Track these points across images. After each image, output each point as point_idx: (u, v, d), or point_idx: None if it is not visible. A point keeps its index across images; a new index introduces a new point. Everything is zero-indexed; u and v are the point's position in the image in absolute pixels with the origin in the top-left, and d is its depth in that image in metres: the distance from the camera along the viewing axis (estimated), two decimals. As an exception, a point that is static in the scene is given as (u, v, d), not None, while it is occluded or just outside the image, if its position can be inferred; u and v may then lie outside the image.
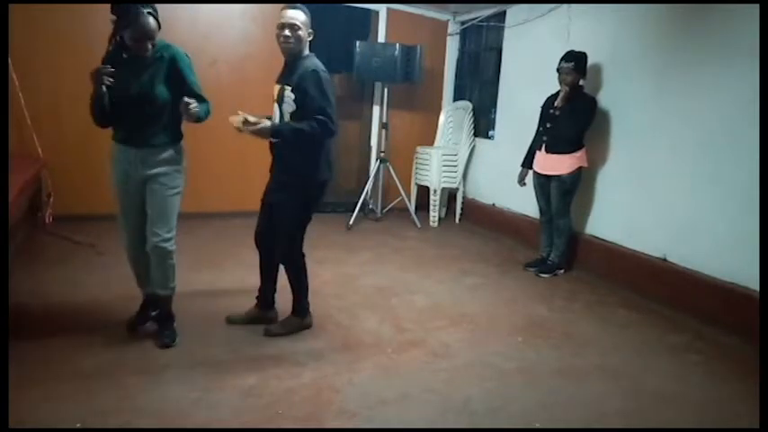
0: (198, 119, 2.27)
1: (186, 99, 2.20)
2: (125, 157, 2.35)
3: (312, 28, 2.52)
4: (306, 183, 2.54)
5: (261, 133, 2.38)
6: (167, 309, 2.56)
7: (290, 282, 2.71)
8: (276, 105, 2.53)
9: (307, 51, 2.53)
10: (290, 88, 2.45)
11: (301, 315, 2.76)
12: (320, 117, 2.37)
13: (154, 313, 2.62)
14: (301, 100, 2.42)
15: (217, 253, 3.89)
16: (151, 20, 2.17)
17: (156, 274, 2.46)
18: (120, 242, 2.53)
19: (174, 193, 2.40)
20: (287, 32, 2.42)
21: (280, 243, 2.65)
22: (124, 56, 2.23)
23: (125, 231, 2.48)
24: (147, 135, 2.33)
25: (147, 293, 2.61)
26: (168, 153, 2.38)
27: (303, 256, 2.70)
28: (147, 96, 2.27)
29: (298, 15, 2.43)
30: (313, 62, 2.47)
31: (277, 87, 2.54)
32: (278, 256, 2.69)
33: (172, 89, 2.31)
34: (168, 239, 2.40)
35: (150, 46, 2.22)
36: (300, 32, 2.44)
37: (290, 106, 2.46)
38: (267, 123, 2.38)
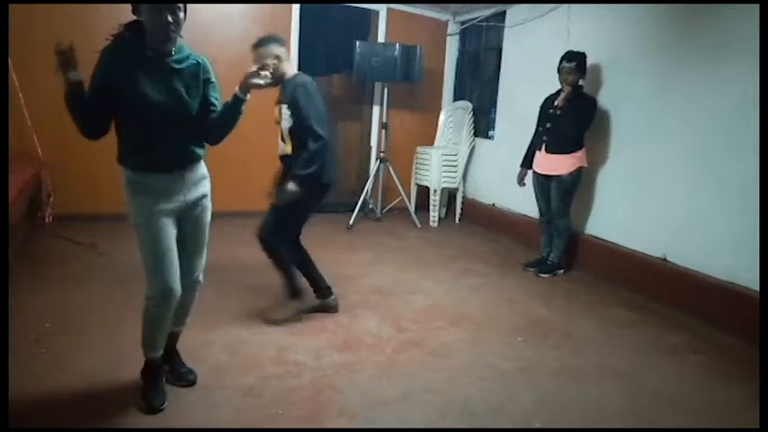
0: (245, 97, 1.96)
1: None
2: (175, 188, 1.91)
3: (283, 46, 2.68)
4: (316, 185, 2.67)
5: (289, 195, 2.57)
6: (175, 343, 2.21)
7: (276, 268, 2.82)
8: (280, 126, 2.71)
9: (292, 71, 2.72)
10: (285, 106, 2.64)
11: (296, 297, 2.85)
12: (310, 140, 2.56)
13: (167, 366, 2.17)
14: (296, 114, 2.60)
15: (217, 253, 3.88)
16: (181, 12, 1.81)
17: (183, 310, 2.12)
18: (153, 295, 1.92)
19: (210, 217, 2.10)
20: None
21: (265, 228, 2.73)
22: (149, 53, 1.81)
23: (170, 277, 1.91)
24: (189, 151, 1.95)
25: (158, 350, 2.08)
26: (205, 170, 2.06)
27: (283, 242, 2.79)
28: (185, 107, 1.88)
29: (265, 53, 2.59)
30: (301, 79, 2.66)
31: (276, 109, 2.72)
32: (261, 241, 2.76)
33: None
34: (203, 269, 2.14)
35: (178, 36, 1.83)
36: (274, 62, 2.57)
37: (288, 122, 2.64)
38: (292, 187, 2.56)
